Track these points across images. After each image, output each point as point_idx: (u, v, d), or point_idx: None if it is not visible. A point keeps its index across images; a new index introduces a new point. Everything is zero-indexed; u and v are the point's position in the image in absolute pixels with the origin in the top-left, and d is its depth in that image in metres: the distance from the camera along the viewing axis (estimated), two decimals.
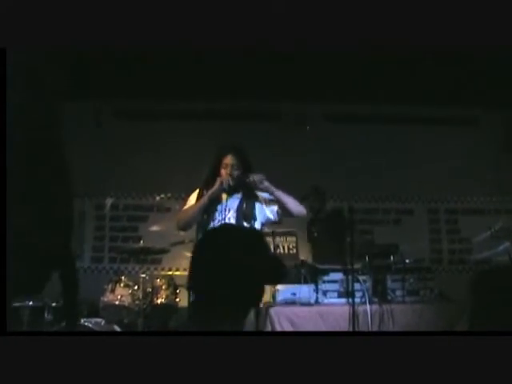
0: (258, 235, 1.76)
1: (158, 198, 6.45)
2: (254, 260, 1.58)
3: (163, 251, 5.29)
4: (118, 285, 4.84)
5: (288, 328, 4.23)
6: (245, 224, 3.59)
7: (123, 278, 4.95)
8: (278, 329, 4.23)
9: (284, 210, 3.76)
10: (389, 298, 4.53)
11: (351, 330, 4.19)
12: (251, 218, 3.67)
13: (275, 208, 3.77)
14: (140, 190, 6.40)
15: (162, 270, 6.07)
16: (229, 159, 3.75)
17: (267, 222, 3.82)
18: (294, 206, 3.77)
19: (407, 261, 4.73)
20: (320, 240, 5.36)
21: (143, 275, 4.88)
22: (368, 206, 6.50)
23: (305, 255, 5.22)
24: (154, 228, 6.28)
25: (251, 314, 1.60)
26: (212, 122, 6.36)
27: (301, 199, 5.54)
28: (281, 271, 1.74)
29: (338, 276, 4.55)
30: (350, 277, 4.44)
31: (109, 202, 6.18)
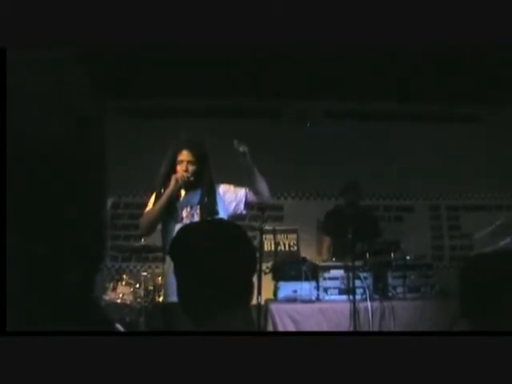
0: (233, 227, 1.70)
1: None
2: (235, 254, 1.54)
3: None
4: (119, 283, 4.85)
5: (289, 325, 4.25)
6: (217, 218, 3.51)
7: (125, 276, 4.97)
8: (279, 326, 4.24)
9: (256, 193, 3.63)
10: (390, 294, 4.54)
11: (352, 326, 4.20)
12: (214, 213, 3.58)
13: (239, 198, 3.66)
14: (141, 188, 6.39)
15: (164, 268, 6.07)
16: (183, 155, 3.58)
17: (234, 215, 3.67)
18: (266, 191, 3.63)
19: (408, 257, 4.74)
20: (339, 234, 5.29)
21: (145, 273, 4.89)
22: (369, 203, 6.49)
23: (306, 252, 5.22)
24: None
25: (246, 312, 1.55)
26: (211, 120, 6.36)
27: (338, 193, 5.57)
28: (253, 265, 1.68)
29: (339, 273, 4.56)
30: (350, 274, 4.44)
31: (110, 200, 6.16)
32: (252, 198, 3.66)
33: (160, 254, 5.81)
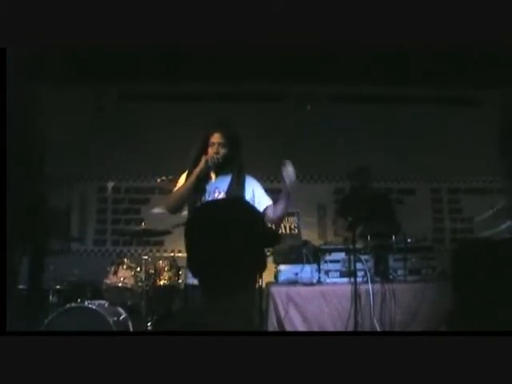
0: (246, 206, 1.69)
1: (159, 180, 6.43)
2: (244, 233, 1.51)
3: (165, 233, 5.30)
4: (120, 267, 4.87)
5: (290, 307, 4.27)
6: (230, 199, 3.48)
7: (126, 260, 4.99)
8: (281, 308, 4.26)
9: (276, 209, 3.60)
10: (390, 277, 4.55)
11: (353, 309, 4.21)
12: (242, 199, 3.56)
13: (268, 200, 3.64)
14: (141, 173, 6.39)
15: (165, 251, 6.09)
16: (215, 137, 3.61)
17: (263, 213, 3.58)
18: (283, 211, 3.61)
19: (409, 240, 4.74)
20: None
21: (145, 257, 4.90)
22: (370, 185, 6.47)
23: (307, 235, 5.23)
24: (156, 210, 6.26)
25: (250, 293, 1.50)
26: (213, 104, 6.32)
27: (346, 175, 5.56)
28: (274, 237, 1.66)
29: (340, 255, 4.57)
30: (352, 256, 4.45)
31: (110, 184, 6.17)
32: (275, 214, 3.60)
33: (160, 238, 5.87)
